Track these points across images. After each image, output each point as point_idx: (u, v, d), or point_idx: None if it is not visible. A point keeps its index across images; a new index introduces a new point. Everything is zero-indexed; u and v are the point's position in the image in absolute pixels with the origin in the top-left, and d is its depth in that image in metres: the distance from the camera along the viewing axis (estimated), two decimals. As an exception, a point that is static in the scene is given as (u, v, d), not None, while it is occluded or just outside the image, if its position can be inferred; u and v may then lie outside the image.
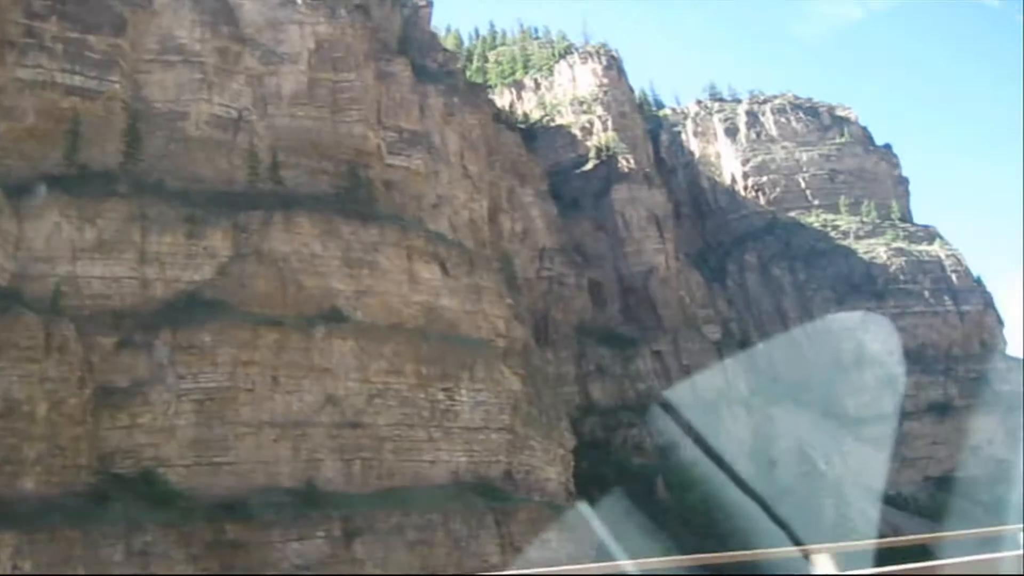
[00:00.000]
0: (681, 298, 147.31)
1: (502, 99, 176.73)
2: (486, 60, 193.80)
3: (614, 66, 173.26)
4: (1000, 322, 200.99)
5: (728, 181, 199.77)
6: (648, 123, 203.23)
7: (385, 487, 73.41)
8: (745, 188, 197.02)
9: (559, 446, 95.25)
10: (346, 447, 72.74)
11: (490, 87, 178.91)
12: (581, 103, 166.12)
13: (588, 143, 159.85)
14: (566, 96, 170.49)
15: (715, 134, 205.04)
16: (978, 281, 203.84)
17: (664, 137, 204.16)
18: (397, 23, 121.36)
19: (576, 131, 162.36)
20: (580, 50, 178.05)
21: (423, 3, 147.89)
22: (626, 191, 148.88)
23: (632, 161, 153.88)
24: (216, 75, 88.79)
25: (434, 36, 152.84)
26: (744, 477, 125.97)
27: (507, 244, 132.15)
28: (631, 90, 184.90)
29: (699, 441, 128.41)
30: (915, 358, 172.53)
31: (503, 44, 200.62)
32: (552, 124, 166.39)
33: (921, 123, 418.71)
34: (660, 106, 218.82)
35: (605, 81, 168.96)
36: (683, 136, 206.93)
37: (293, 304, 76.94)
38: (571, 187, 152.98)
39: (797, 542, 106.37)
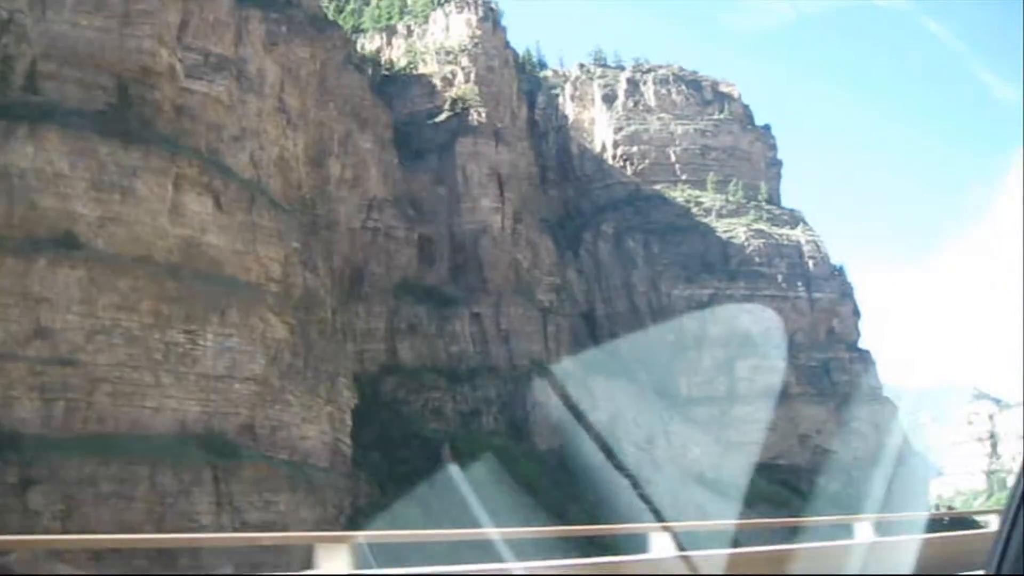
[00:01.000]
0: (515, 261, 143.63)
1: (371, 44, 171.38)
2: (366, 3, 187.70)
3: (490, 18, 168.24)
4: (856, 313, 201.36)
5: (599, 149, 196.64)
6: (528, 84, 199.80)
7: (92, 432, 68.82)
8: (614, 157, 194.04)
9: (328, 403, 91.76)
10: (49, 385, 67.97)
11: (361, 30, 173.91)
12: (448, 53, 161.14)
13: (447, 94, 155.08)
14: (435, 45, 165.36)
15: (592, 100, 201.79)
16: (839, 270, 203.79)
17: (540, 99, 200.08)
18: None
19: (437, 81, 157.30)
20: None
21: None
22: (470, 145, 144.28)
23: (483, 115, 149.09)
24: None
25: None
26: (542, 449, 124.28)
27: (333, 189, 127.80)
28: (507, 45, 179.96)
29: (504, 409, 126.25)
30: (758, 343, 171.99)
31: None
32: (414, 72, 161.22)
33: (811, 109, 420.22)
34: (543, 67, 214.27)
35: (478, 32, 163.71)
36: (560, 100, 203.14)
37: (21, 225, 71.81)
38: (420, 138, 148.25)
39: (565, 520, 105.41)
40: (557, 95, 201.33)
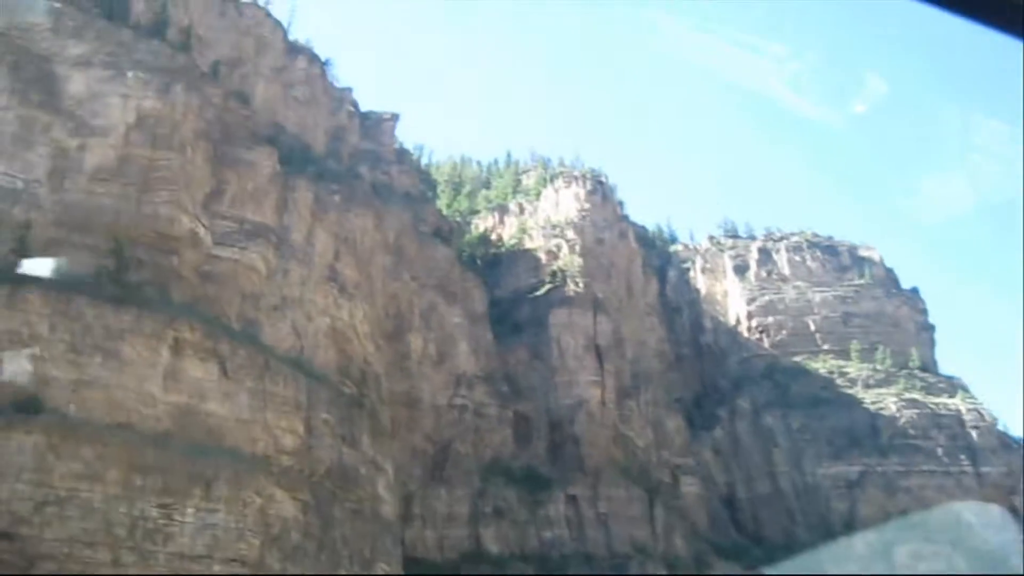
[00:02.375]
0: (620, 438, 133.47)
1: (485, 223, 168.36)
2: (487, 186, 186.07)
3: (598, 191, 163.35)
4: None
5: (732, 321, 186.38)
6: (659, 260, 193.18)
7: (25, 615, 62.24)
8: (749, 329, 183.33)
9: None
10: (-24, 562, 62.01)
11: (475, 212, 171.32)
12: (554, 227, 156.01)
13: (550, 268, 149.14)
14: (544, 220, 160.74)
15: (724, 271, 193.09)
16: (1016, 442, 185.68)
17: (671, 274, 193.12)
18: (287, 115, 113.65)
19: (542, 255, 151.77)
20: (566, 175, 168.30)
21: (387, 116, 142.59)
22: (565, 316, 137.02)
23: (580, 285, 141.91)
24: (13, 144, 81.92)
25: (399, 150, 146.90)
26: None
27: (414, 365, 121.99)
28: (625, 219, 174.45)
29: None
30: (918, 525, 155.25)
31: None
32: (521, 249, 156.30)
33: (961, 270, 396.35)
34: (674, 241, 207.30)
35: (586, 205, 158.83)
36: (691, 273, 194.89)
37: (-16, 389, 67.46)
38: (519, 312, 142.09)
39: None
40: (688, 269, 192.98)
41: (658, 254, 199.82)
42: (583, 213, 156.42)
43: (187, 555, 69.63)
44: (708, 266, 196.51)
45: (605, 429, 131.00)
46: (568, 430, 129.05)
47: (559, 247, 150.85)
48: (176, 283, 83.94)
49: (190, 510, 70.90)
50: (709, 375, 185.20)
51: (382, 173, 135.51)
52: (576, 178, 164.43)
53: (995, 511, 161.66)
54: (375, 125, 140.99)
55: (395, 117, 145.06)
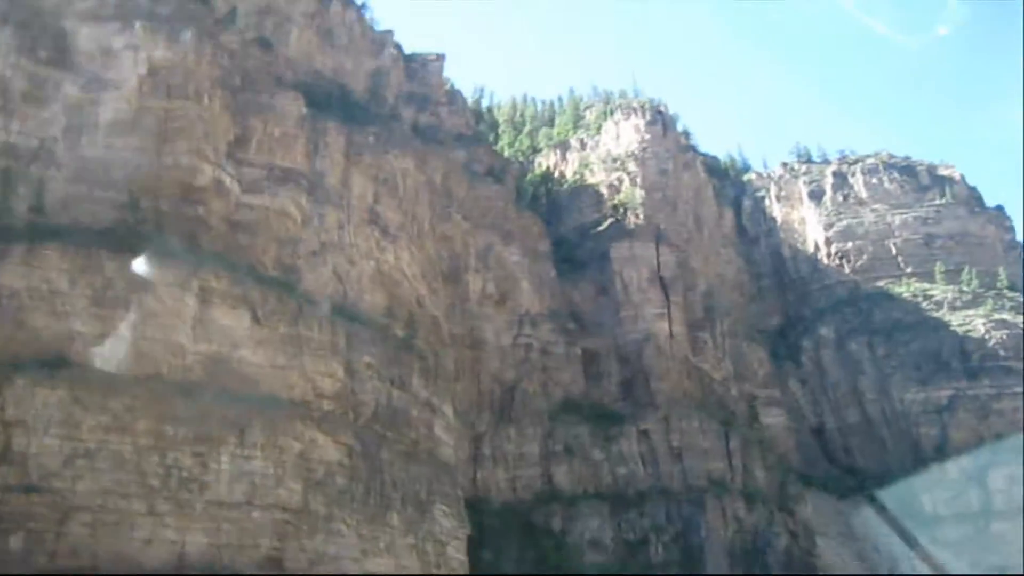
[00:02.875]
0: (692, 371, 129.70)
1: (548, 160, 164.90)
2: (551, 125, 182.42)
3: (659, 121, 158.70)
4: None
5: (811, 249, 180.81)
6: (733, 190, 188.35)
7: (60, 568, 60.73)
8: (828, 256, 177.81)
9: (409, 533, 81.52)
10: (7, 516, 60.70)
11: (538, 150, 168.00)
12: (615, 160, 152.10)
13: (611, 202, 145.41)
14: (609, 154, 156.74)
15: (800, 198, 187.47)
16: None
17: (747, 203, 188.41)
18: (315, 55, 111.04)
19: (604, 190, 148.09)
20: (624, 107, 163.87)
21: (433, 57, 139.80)
22: (627, 249, 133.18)
23: (641, 217, 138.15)
24: (25, 102, 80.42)
25: (450, 91, 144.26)
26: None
27: (474, 306, 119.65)
28: (691, 148, 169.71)
29: (678, 537, 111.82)
30: (1011, 447, 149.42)
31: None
32: (582, 184, 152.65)
33: None
34: (747, 170, 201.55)
35: (647, 136, 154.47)
36: (767, 202, 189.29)
37: (6, 347, 66.10)
38: (582, 249, 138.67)
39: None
40: (763, 198, 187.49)
41: (732, 184, 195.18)
42: (644, 145, 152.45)
43: (225, 503, 68.02)
44: (783, 193, 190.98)
45: (675, 362, 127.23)
46: (637, 365, 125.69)
47: (620, 181, 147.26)
48: (205, 233, 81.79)
49: (225, 458, 69.13)
50: (792, 305, 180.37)
51: (430, 114, 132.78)
52: (635, 109, 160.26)
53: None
54: (421, 67, 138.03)
55: (441, 57, 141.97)
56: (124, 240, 74.78)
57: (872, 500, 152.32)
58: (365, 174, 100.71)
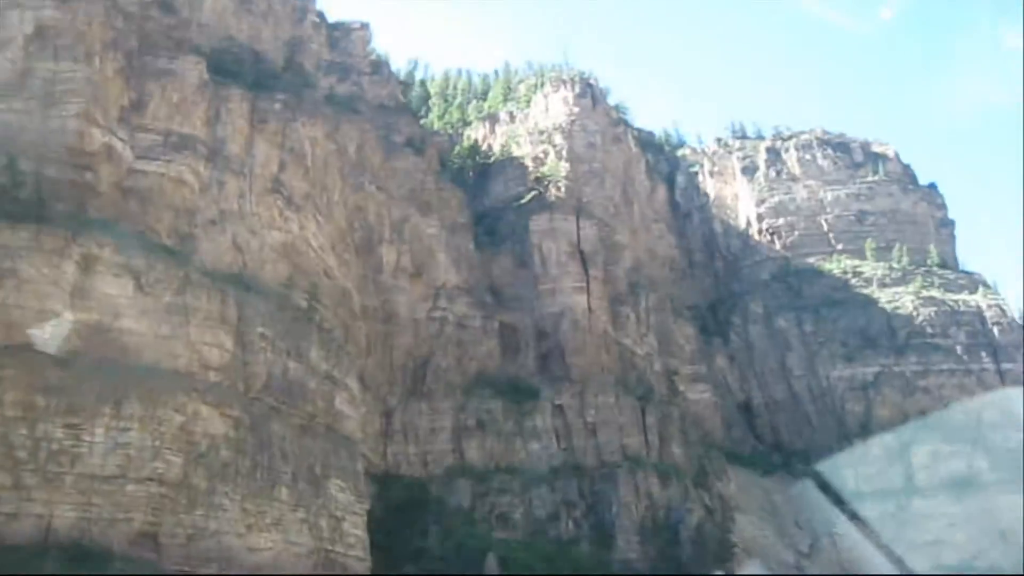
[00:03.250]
0: (609, 345, 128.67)
1: (476, 133, 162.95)
2: (485, 97, 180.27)
3: (588, 94, 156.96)
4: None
5: (743, 225, 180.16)
6: (668, 165, 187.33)
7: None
8: (760, 232, 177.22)
9: (299, 508, 79.90)
10: None
11: (467, 123, 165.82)
12: (541, 133, 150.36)
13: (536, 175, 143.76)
14: (536, 127, 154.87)
15: (733, 174, 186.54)
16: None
17: (680, 179, 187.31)
18: (215, 25, 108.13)
19: (529, 163, 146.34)
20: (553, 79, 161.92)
21: (357, 26, 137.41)
22: (546, 222, 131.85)
23: (562, 190, 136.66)
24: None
25: (375, 62, 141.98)
26: (631, 557, 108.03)
27: (388, 278, 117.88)
28: (622, 122, 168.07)
29: (589, 512, 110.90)
30: (935, 424, 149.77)
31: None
32: (509, 157, 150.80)
33: (983, 166, 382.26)
34: (681, 145, 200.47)
35: (575, 110, 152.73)
36: (700, 178, 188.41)
37: None
38: (504, 222, 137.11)
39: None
40: (697, 174, 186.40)
41: (666, 160, 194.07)
42: (572, 118, 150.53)
43: (97, 476, 66.04)
44: (716, 169, 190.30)
45: (593, 337, 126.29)
46: (554, 339, 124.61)
47: (546, 153, 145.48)
48: (93, 200, 79.59)
49: (99, 430, 67.12)
50: (723, 281, 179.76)
51: (352, 84, 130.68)
52: (565, 82, 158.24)
53: (1018, 408, 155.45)
54: (344, 36, 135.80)
55: (366, 27, 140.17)
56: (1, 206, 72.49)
57: (796, 476, 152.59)
58: (270, 142, 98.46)
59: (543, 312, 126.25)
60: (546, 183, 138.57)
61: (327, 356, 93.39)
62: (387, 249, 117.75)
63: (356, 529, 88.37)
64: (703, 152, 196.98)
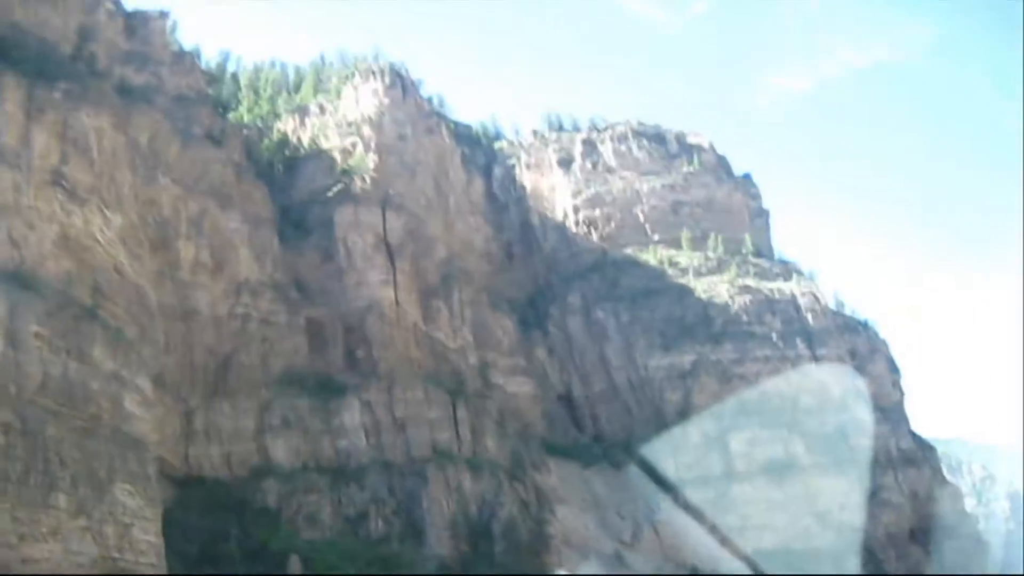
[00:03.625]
0: (420, 340, 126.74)
1: (286, 126, 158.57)
2: (295, 91, 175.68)
3: (398, 84, 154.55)
4: (895, 370, 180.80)
5: (560, 217, 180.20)
6: (485, 157, 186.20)
7: None
8: (577, 223, 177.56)
9: (80, 515, 75.21)
10: None
11: (277, 115, 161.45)
12: (350, 125, 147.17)
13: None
14: (344, 119, 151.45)
15: (550, 166, 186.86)
16: (865, 324, 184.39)
17: (497, 171, 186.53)
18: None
19: (337, 155, 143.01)
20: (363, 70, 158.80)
21: (155, 15, 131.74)
22: (351, 214, 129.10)
23: (368, 182, 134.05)
24: None
25: (177, 52, 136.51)
26: (442, 554, 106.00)
27: (186, 275, 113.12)
28: (435, 114, 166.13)
29: (400, 510, 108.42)
30: (752, 410, 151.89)
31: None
32: (317, 150, 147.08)
33: (796, 157, 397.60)
34: (499, 138, 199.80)
35: (385, 101, 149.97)
36: (517, 170, 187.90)
37: None
38: (310, 216, 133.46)
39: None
40: (514, 166, 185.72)
41: (484, 152, 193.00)
42: (381, 109, 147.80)
43: None
44: (533, 161, 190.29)
45: (401, 330, 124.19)
46: (361, 334, 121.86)
47: (354, 145, 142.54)
48: None
49: None
50: (541, 274, 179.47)
51: (150, 74, 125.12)
52: (375, 73, 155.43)
53: (835, 392, 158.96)
54: (142, 25, 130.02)
55: (165, 15, 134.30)
56: None
57: (618, 467, 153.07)
58: (49, 132, 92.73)
59: (350, 307, 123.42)
60: (352, 175, 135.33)
61: (114, 355, 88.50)
62: (184, 244, 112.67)
63: (147, 535, 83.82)
64: (520, 144, 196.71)
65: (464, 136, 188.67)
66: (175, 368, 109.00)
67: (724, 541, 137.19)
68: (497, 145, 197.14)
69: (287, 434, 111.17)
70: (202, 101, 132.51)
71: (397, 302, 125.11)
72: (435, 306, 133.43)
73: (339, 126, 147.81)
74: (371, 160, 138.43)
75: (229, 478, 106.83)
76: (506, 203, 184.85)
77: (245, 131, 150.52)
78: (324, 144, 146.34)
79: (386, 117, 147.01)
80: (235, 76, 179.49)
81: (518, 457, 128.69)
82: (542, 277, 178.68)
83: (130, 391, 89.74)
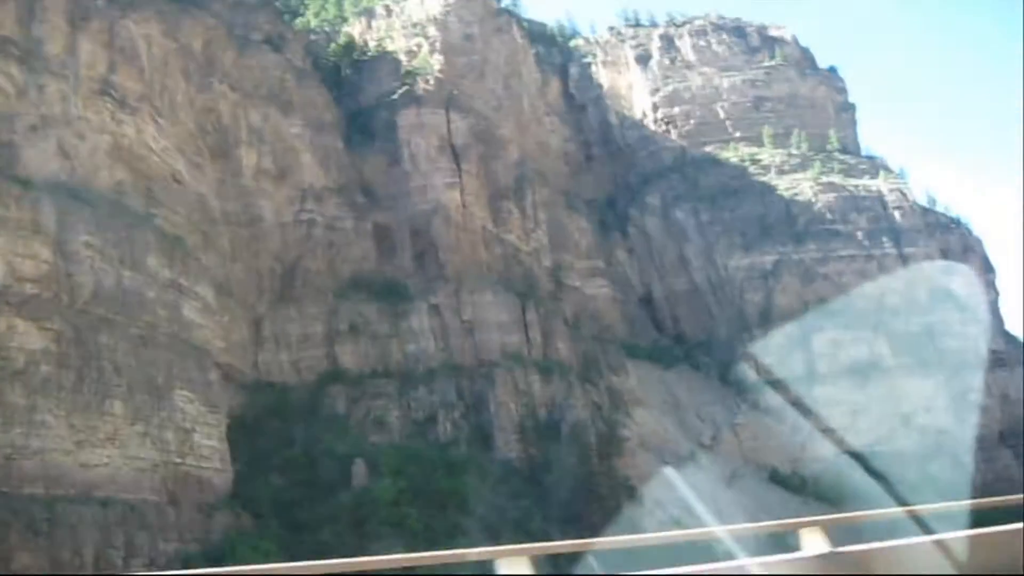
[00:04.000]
0: (489, 242, 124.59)
1: (353, 30, 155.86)
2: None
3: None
4: (990, 269, 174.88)
5: (639, 115, 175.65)
6: (562, 57, 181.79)
7: None
8: (655, 122, 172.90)
9: (138, 421, 75.66)
10: None
11: (344, 19, 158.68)
12: (415, 25, 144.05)
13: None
14: (410, 19, 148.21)
15: (627, 63, 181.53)
16: (957, 222, 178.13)
17: (573, 70, 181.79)
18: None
19: (403, 57, 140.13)
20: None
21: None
22: (414, 116, 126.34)
23: (431, 83, 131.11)
24: None
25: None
26: (509, 457, 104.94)
27: (249, 182, 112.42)
28: (499, 10, 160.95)
29: (468, 413, 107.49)
30: (836, 311, 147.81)
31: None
32: (383, 53, 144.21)
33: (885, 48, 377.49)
34: (576, 36, 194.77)
35: (451, 0, 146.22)
36: (594, 68, 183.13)
37: None
38: (377, 120, 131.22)
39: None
40: (591, 64, 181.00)
41: (560, 51, 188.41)
42: (447, 8, 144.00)
43: None
44: (609, 59, 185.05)
45: (469, 233, 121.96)
46: (427, 238, 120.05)
47: (419, 46, 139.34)
48: None
49: None
50: (620, 174, 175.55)
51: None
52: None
53: (922, 292, 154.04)
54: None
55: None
56: None
57: (698, 368, 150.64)
58: (95, 40, 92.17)
59: (416, 210, 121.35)
60: (416, 77, 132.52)
61: (170, 263, 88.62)
62: (246, 151, 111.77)
63: (210, 440, 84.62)
64: (596, 42, 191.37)
65: (539, 35, 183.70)
66: (241, 275, 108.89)
67: (805, 443, 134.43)
68: (573, 43, 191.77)
69: (355, 339, 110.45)
70: (262, 6, 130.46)
71: (464, 204, 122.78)
72: (506, 208, 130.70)
73: (404, 27, 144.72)
74: (436, 61, 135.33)
75: (298, 383, 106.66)
76: (584, 103, 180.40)
77: (312, 36, 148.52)
78: (390, 46, 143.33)
79: (451, 16, 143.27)
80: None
81: (592, 359, 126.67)
82: (620, 178, 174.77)
83: (189, 299, 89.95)
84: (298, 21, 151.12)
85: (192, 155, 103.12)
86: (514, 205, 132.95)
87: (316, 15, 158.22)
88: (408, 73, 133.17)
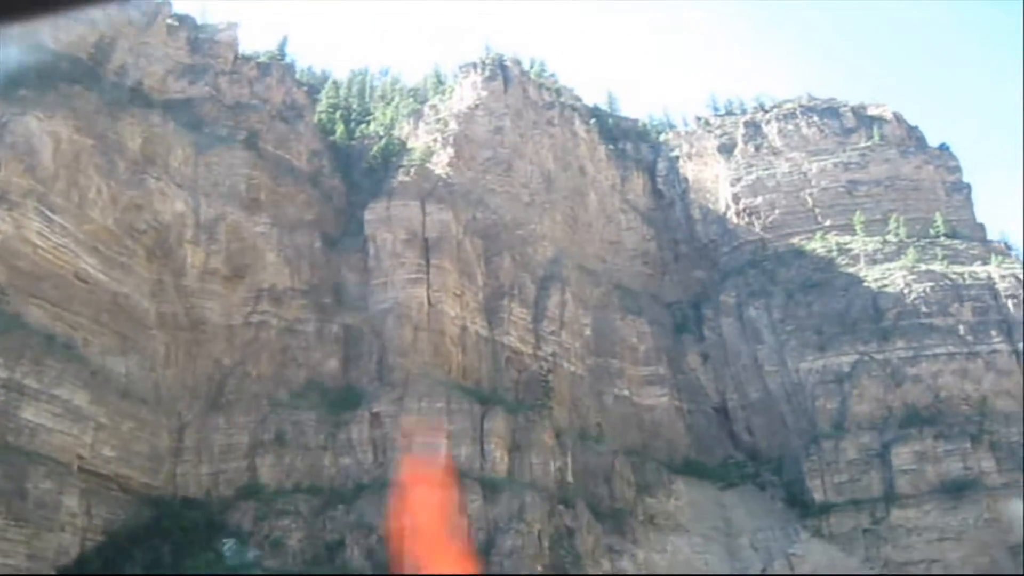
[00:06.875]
0: (460, 343, 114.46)
1: (400, 131, 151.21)
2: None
3: (499, 76, 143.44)
4: None
5: (722, 208, 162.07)
6: (652, 152, 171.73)
7: None
8: (738, 213, 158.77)
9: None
10: None
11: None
12: (438, 121, 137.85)
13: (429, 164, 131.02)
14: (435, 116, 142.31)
15: (712, 154, 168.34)
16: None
17: (661, 165, 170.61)
18: None
19: (417, 153, 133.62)
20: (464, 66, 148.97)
21: (222, 27, 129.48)
22: (383, 209, 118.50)
23: (411, 173, 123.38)
24: None
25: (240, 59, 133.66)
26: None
27: (195, 283, 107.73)
28: (548, 103, 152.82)
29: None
30: (927, 418, 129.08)
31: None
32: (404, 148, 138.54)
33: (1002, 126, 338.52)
34: (664, 130, 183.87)
35: (483, 93, 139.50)
36: (680, 161, 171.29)
37: None
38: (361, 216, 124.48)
39: None
40: (678, 158, 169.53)
41: (652, 146, 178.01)
42: (476, 102, 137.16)
43: None
44: (694, 150, 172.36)
45: (433, 334, 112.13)
46: (381, 340, 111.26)
47: (436, 142, 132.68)
48: None
49: None
50: (706, 272, 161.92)
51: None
52: (475, 66, 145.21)
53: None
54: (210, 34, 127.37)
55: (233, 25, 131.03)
56: None
57: (763, 488, 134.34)
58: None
59: (376, 310, 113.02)
60: (409, 171, 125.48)
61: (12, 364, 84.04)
62: (192, 250, 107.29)
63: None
64: (682, 134, 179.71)
65: (629, 131, 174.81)
66: (171, 381, 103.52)
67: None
68: (663, 137, 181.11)
69: (279, 451, 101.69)
70: (295, 119, 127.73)
71: (430, 302, 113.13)
72: (506, 308, 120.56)
73: (428, 123, 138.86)
74: (446, 155, 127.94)
75: (214, 499, 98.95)
76: (672, 199, 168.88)
77: (366, 141, 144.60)
78: (411, 143, 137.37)
79: (479, 110, 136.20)
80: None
81: (605, 479, 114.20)
82: (704, 275, 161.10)
83: (37, 402, 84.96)
84: (361, 128, 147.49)
85: (112, 254, 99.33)
86: (521, 305, 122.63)
87: (375, 120, 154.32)
88: (403, 168, 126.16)
